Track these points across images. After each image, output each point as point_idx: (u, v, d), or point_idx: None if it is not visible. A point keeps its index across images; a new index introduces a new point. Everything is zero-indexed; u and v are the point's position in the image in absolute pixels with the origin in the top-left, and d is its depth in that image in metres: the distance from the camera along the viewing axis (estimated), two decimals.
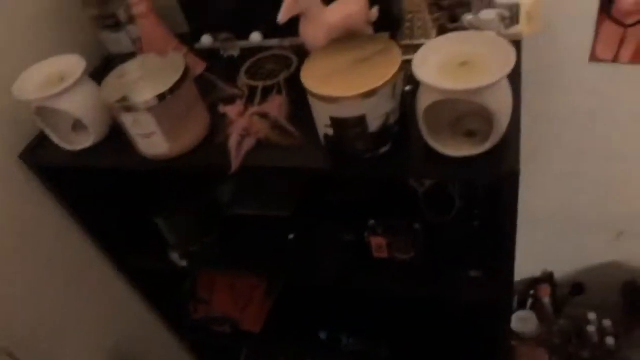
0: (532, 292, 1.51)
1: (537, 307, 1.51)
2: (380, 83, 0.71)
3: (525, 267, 1.54)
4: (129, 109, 0.84)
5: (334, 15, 0.85)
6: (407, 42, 0.85)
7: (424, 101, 0.71)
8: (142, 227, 1.17)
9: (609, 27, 0.96)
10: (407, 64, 0.74)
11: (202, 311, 1.38)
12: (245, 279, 1.39)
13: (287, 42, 1.07)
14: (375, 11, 0.89)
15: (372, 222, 1.01)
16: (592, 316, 1.44)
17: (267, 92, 0.97)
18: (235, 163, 0.85)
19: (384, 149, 0.79)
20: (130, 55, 1.07)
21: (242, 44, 1.11)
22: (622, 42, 0.97)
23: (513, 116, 0.74)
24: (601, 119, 1.10)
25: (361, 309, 1.37)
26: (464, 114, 0.78)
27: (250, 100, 0.97)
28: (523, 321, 1.52)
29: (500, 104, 0.69)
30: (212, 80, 1.03)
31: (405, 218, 0.98)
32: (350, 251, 1.03)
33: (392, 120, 0.76)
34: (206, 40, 1.12)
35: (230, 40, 1.08)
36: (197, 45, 1.15)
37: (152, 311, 1.43)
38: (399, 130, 0.78)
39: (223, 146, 0.88)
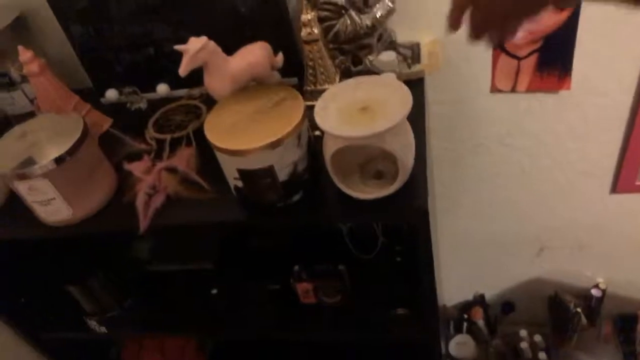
0: (465, 315, 1.53)
1: (472, 330, 1.54)
2: (285, 132, 0.71)
3: (457, 291, 1.57)
4: (23, 176, 0.78)
5: (237, 65, 0.84)
6: (311, 87, 0.85)
7: (329, 148, 0.71)
8: (55, 296, 1.09)
9: (504, 60, 1.01)
10: (312, 110, 0.74)
11: None
12: (174, 338, 1.33)
13: (195, 91, 1.05)
14: (280, 58, 0.90)
15: (296, 268, 0.99)
16: (523, 333, 1.48)
17: (176, 144, 0.94)
18: (144, 223, 0.81)
19: (295, 197, 0.78)
20: (29, 115, 1.02)
21: (150, 95, 1.08)
22: (517, 72, 1.02)
23: (418, 154, 0.76)
24: (509, 144, 1.15)
25: (297, 355, 1.33)
26: (371, 156, 0.78)
27: (158, 155, 0.93)
28: (461, 345, 1.54)
29: (402, 146, 0.70)
30: (118, 136, 0.98)
31: (329, 261, 0.97)
32: (276, 300, 1.01)
33: (300, 167, 0.75)
34: (111, 94, 1.08)
35: (135, 93, 1.05)
36: (102, 100, 1.10)
37: None
38: (310, 177, 0.77)
39: (131, 206, 0.84)
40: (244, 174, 0.74)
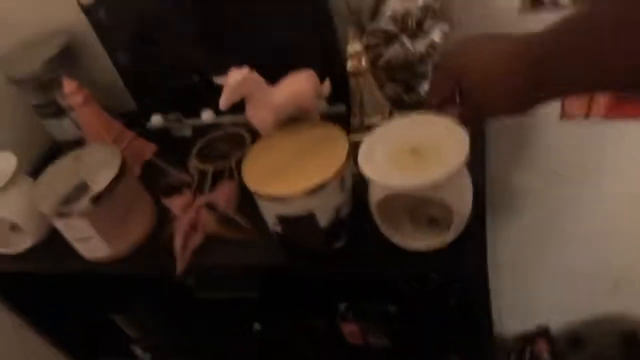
0: (529, 348, 1.42)
1: None
2: (327, 177, 0.65)
3: (518, 321, 1.46)
4: (61, 214, 0.77)
5: (280, 96, 0.79)
6: (358, 121, 0.78)
7: (375, 195, 0.64)
8: (101, 323, 1.09)
9: None
10: (359, 145, 0.68)
11: None
12: None
13: (241, 118, 1.01)
14: (326, 86, 0.84)
15: (343, 306, 0.93)
16: None
17: (218, 176, 0.91)
18: (181, 264, 0.78)
19: (338, 243, 0.72)
20: (77, 143, 1.02)
21: (195, 121, 1.05)
22: (592, 98, 0.91)
23: (477, 199, 0.68)
24: (581, 176, 1.04)
25: None
26: (423, 201, 0.71)
27: (200, 186, 0.90)
28: None
29: (458, 194, 0.63)
30: (161, 166, 0.96)
31: (378, 299, 0.91)
32: (321, 339, 0.95)
33: (343, 213, 0.69)
34: (156, 120, 1.06)
35: (179, 120, 1.02)
36: (148, 125, 1.09)
37: None
38: (353, 222, 0.71)
39: (169, 242, 0.81)
40: (282, 219, 0.68)
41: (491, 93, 0.53)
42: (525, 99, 0.51)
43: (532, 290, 1.36)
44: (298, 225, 0.68)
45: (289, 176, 0.67)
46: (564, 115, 0.95)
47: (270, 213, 0.69)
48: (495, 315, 1.43)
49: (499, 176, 1.09)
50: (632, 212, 1.09)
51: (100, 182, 0.78)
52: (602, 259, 1.20)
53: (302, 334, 0.96)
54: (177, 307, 1.11)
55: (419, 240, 0.68)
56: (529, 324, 1.43)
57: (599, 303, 1.32)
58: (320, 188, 0.65)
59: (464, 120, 0.59)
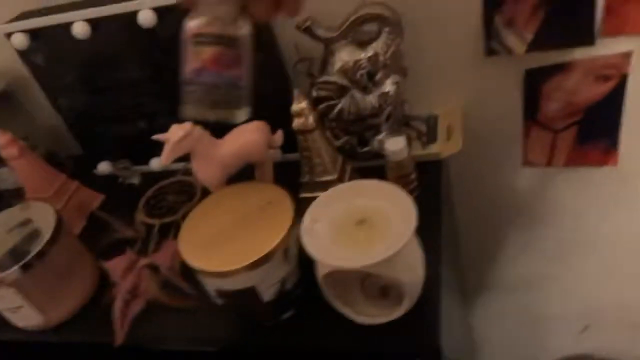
0: None
1: None
2: (268, 249, 0.60)
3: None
4: None
5: (228, 149, 0.75)
6: (307, 179, 0.74)
7: (321, 270, 0.60)
8: None
9: (537, 133, 0.88)
10: (310, 203, 0.64)
11: None
12: None
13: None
14: (278, 136, 0.80)
15: None
16: None
17: (166, 231, 0.86)
18: (120, 335, 0.72)
19: (285, 315, 0.67)
20: (19, 191, 0.95)
21: (145, 168, 1.00)
22: (553, 146, 0.89)
23: (430, 270, 0.64)
24: (545, 221, 1.02)
25: None
26: (372, 274, 0.67)
27: (145, 243, 0.85)
28: None
29: (407, 268, 0.59)
30: (105, 219, 0.91)
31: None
32: None
33: (289, 284, 0.65)
34: (104, 167, 1.01)
35: (127, 168, 0.97)
36: (95, 171, 1.03)
37: None
38: (302, 292, 0.67)
39: (109, 309, 0.75)
40: (222, 293, 0.64)
41: None
42: None
43: (501, 331, 1.33)
44: (240, 299, 0.64)
45: (228, 247, 0.63)
46: (526, 162, 0.93)
47: (209, 287, 0.65)
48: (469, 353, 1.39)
49: (465, 222, 1.06)
50: (598, 256, 1.07)
51: (31, 246, 0.72)
52: (573, 302, 1.18)
53: None
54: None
55: (370, 313, 0.64)
56: None
57: (570, 344, 1.29)
58: (261, 262, 0.60)
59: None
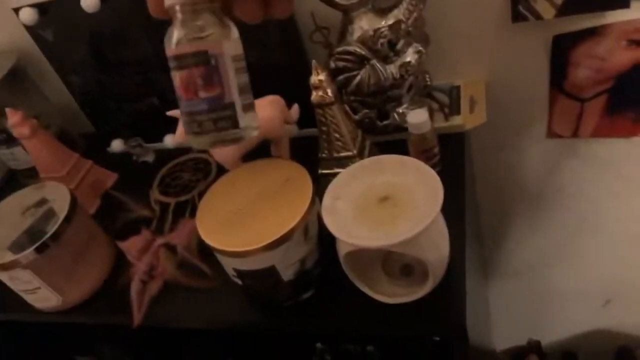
0: None
1: None
2: (288, 228, 0.58)
3: (509, 334, 1.41)
4: (3, 267, 0.70)
5: None
6: (326, 155, 0.72)
7: (342, 249, 0.58)
8: None
9: (564, 102, 0.84)
10: (329, 179, 0.62)
11: None
12: None
13: None
14: (294, 111, 0.77)
15: (319, 346, 0.87)
16: None
17: (181, 210, 0.84)
18: (138, 316, 0.71)
19: (306, 295, 0.66)
20: (33, 170, 0.94)
21: (158, 146, 0.98)
22: (580, 116, 0.85)
23: (455, 249, 0.61)
24: (570, 194, 0.98)
25: None
26: (395, 252, 0.64)
27: (161, 222, 0.84)
28: None
29: (431, 247, 0.56)
30: (120, 199, 0.89)
31: (357, 340, 0.85)
32: None
33: (309, 263, 0.63)
34: (117, 145, 0.99)
35: (140, 145, 0.95)
36: (108, 149, 1.01)
37: None
38: (322, 271, 0.65)
39: (126, 290, 0.74)
40: (241, 274, 0.62)
41: None
42: None
43: (523, 306, 1.31)
44: (259, 279, 0.62)
45: (247, 225, 0.61)
46: (550, 134, 0.89)
47: (228, 266, 0.63)
48: (485, 330, 1.38)
49: (487, 197, 1.03)
50: (622, 230, 1.03)
51: (47, 227, 0.71)
52: (594, 277, 1.15)
53: None
54: (147, 341, 1.04)
55: (392, 293, 0.62)
56: (521, 339, 1.38)
57: (591, 319, 1.27)
58: (281, 241, 0.58)
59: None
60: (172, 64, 0.29)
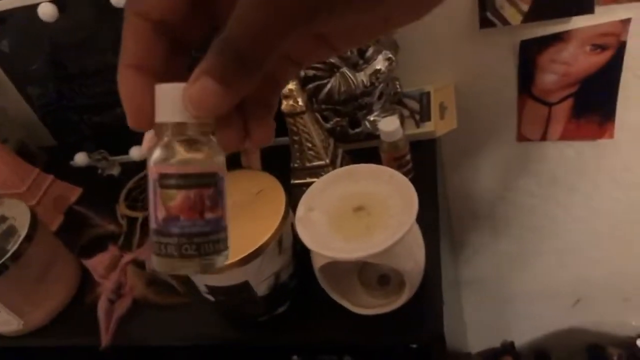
0: None
1: None
2: (262, 242, 0.57)
3: (483, 337, 1.42)
4: None
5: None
6: (298, 165, 0.70)
7: (317, 261, 0.57)
8: None
9: (532, 106, 0.85)
10: (302, 189, 0.60)
11: None
12: None
13: None
14: None
15: (295, 358, 0.85)
16: None
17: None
18: (106, 337, 0.68)
19: (280, 309, 0.64)
20: None
21: (122, 159, 0.95)
22: (548, 120, 0.86)
23: (430, 256, 0.61)
24: (539, 195, 0.99)
25: None
26: (371, 263, 0.64)
27: (128, 237, 0.81)
28: None
29: (407, 256, 0.56)
30: (85, 214, 0.86)
31: (333, 351, 0.83)
32: None
33: (284, 277, 0.61)
34: (80, 158, 0.95)
35: (105, 158, 0.92)
36: (71, 163, 0.98)
37: None
38: (297, 283, 0.63)
39: (93, 310, 0.71)
40: (213, 290, 0.60)
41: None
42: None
43: (496, 308, 1.32)
44: (232, 296, 0.60)
45: None
46: (520, 137, 0.90)
47: (199, 283, 0.61)
48: (460, 334, 1.39)
49: (459, 202, 1.04)
50: (591, 230, 1.05)
51: (6, 246, 0.67)
52: (564, 277, 1.17)
53: None
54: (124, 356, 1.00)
55: (369, 304, 0.61)
56: (494, 341, 1.40)
57: (562, 318, 1.29)
58: (255, 255, 0.56)
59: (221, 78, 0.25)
60: (168, 181, 0.25)
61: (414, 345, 0.82)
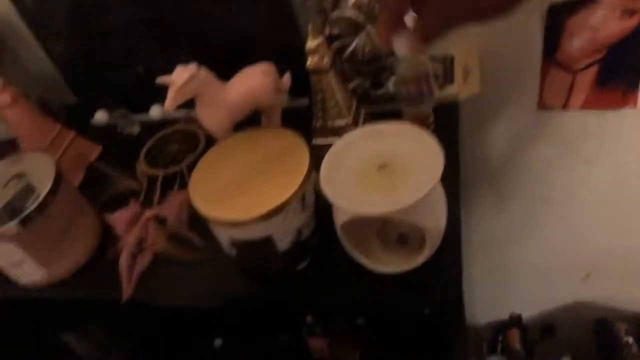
0: (500, 337, 1.40)
1: (508, 352, 1.40)
2: (285, 197, 0.57)
3: (491, 309, 1.43)
4: None
5: (234, 93, 0.70)
6: (320, 123, 0.70)
7: (340, 217, 0.57)
8: (54, 343, 1.00)
9: (556, 73, 0.84)
10: (323, 149, 0.60)
11: None
12: None
13: (194, 113, 0.92)
14: (286, 79, 0.75)
15: (309, 319, 0.86)
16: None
17: (169, 182, 0.82)
18: (127, 290, 0.70)
19: (301, 265, 0.65)
20: (12, 143, 0.91)
21: (144, 117, 0.95)
22: (571, 87, 0.85)
23: (452, 214, 0.61)
24: (557, 166, 0.99)
25: None
26: (392, 220, 0.64)
27: (149, 195, 0.81)
28: None
29: (429, 215, 0.56)
30: (105, 171, 0.87)
31: (346, 313, 0.85)
32: (287, 354, 0.89)
33: (306, 233, 0.62)
34: (100, 116, 0.96)
35: (125, 116, 0.92)
36: (91, 121, 0.98)
37: None
38: (318, 241, 0.64)
39: (115, 263, 0.72)
40: (237, 244, 0.61)
41: None
42: None
43: (505, 281, 1.33)
44: (255, 249, 0.61)
45: (243, 195, 0.59)
46: (541, 105, 0.89)
47: (223, 237, 0.62)
48: (468, 305, 1.40)
49: (472, 167, 1.04)
50: (606, 203, 1.05)
51: (31, 198, 0.68)
52: (575, 250, 1.17)
53: (265, 349, 0.90)
54: (133, 319, 1.02)
55: (388, 262, 0.62)
56: (502, 314, 1.41)
57: (571, 292, 1.30)
58: (278, 210, 0.57)
59: (424, 35, 0.42)
60: None
61: (427, 312, 0.83)
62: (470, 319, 1.46)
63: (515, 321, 1.40)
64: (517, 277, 1.30)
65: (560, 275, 1.24)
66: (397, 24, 0.43)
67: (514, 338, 1.37)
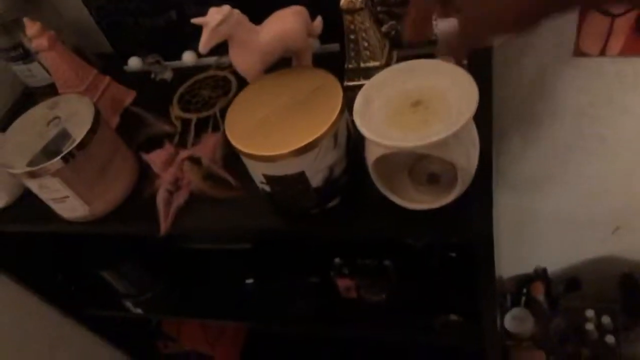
0: (524, 290, 1.41)
1: (531, 305, 1.42)
2: (319, 134, 0.58)
3: (516, 263, 1.44)
4: (32, 174, 0.70)
5: (267, 36, 0.71)
6: (353, 65, 0.71)
7: (372, 153, 0.58)
8: (91, 278, 1.05)
9: (594, 18, 0.82)
10: (355, 91, 0.61)
11: (172, 348, 1.28)
12: None
13: (226, 59, 0.93)
14: (318, 23, 0.75)
15: (337, 260, 0.89)
16: (590, 313, 1.35)
17: (202, 126, 0.84)
18: (164, 225, 0.73)
19: (332, 203, 0.66)
20: (50, 87, 0.94)
21: (176, 64, 0.97)
22: (609, 33, 0.83)
23: (483, 154, 0.62)
24: (590, 115, 0.98)
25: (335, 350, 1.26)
26: (424, 157, 0.65)
27: (183, 138, 0.84)
28: (518, 320, 1.42)
29: (464, 152, 0.57)
30: (141, 115, 0.89)
31: (374, 255, 0.87)
32: (315, 294, 0.92)
33: (337, 171, 0.63)
34: (134, 62, 0.98)
35: (158, 62, 0.94)
36: (125, 68, 1.00)
37: (122, 353, 1.32)
38: (349, 179, 0.65)
39: (152, 200, 0.75)
40: (270, 179, 0.63)
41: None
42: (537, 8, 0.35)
43: (531, 234, 1.33)
44: (288, 186, 0.63)
45: (277, 132, 0.61)
46: (577, 52, 0.88)
47: (256, 172, 0.63)
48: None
49: (502, 118, 1.03)
50: (639, 154, 1.03)
51: (72, 137, 0.71)
52: (606, 203, 1.16)
53: (295, 288, 0.93)
54: (167, 260, 1.07)
55: (418, 201, 0.63)
56: (527, 267, 1.42)
57: (599, 245, 1.30)
58: (311, 147, 0.58)
59: (456, 43, 0.42)
60: None
61: (453, 254, 0.84)
62: (495, 271, 1.47)
63: (540, 274, 1.41)
64: (544, 230, 1.30)
65: (588, 228, 1.24)
66: (425, 23, 0.43)
67: (538, 291, 1.38)
